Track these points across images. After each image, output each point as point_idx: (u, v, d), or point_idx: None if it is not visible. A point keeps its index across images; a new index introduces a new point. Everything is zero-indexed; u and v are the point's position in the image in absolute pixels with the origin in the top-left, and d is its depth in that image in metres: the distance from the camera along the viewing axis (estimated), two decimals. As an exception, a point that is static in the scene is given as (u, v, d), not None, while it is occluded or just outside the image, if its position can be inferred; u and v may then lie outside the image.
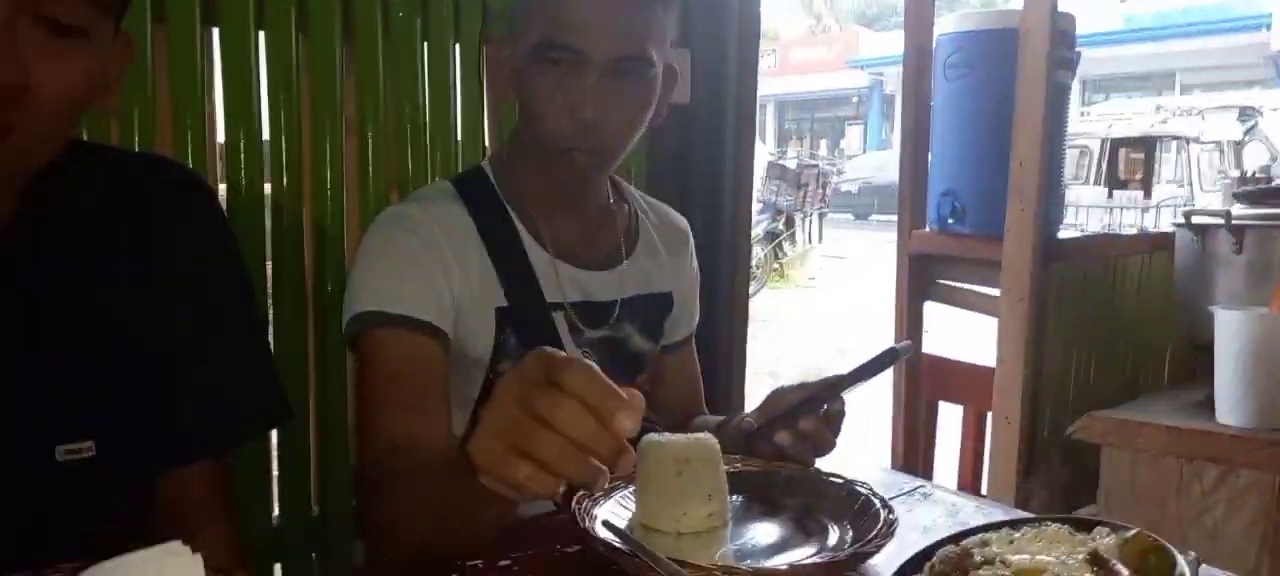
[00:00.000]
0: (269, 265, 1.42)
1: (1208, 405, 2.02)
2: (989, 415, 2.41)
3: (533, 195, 1.22)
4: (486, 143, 1.60)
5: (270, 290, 1.42)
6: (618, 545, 0.84)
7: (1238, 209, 2.22)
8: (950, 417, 2.56)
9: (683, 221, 1.42)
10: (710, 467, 0.96)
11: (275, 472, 1.49)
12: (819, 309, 8.59)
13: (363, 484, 1.06)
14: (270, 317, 1.41)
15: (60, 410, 0.88)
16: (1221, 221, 2.13)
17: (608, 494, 1.01)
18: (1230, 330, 1.91)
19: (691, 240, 1.41)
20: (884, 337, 2.75)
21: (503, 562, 0.91)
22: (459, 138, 1.56)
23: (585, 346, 1.23)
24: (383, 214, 1.20)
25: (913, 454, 2.69)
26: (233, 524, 1.03)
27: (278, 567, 1.50)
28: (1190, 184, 6.88)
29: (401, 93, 1.50)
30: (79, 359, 0.89)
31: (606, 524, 0.90)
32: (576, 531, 0.92)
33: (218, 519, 0.99)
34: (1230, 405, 1.93)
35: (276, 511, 1.49)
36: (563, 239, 1.23)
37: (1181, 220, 2.26)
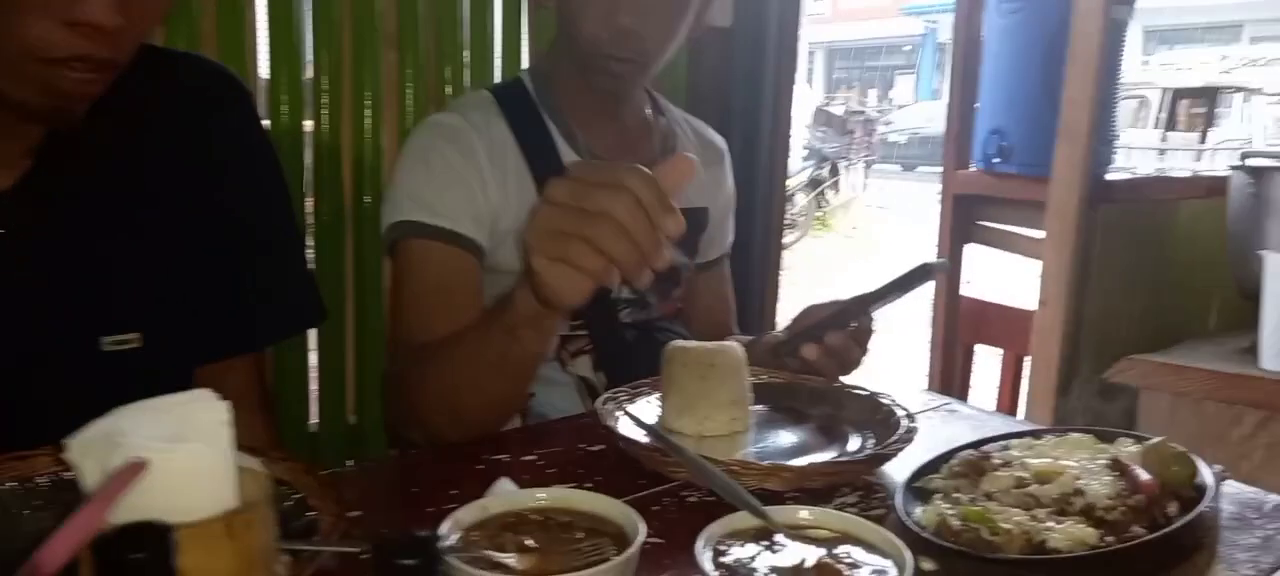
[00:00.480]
0: (309, 175, 1.44)
1: (1252, 352, 1.97)
2: (1027, 360, 2.39)
3: (571, 105, 1.23)
4: (526, 53, 1.60)
5: (311, 206, 1.45)
6: (640, 439, 0.85)
7: (1297, 152, 2.14)
8: (987, 363, 2.53)
9: (720, 139, 1.41)
10: (734, 374, 0.97)
11: (314, 382, 1.53)
12: (860, 257, 8.50)
13: (393, 383, 1.09)
14: (311, 228, 1.44)
15: (108, 301, 0.91)
16: (1278, 164, 2.06)
17: (633, 398, 1.03)
18: (1278, 274, 1.86)
19: (727, 158, 1.41)
20: (928, 290, 2.72)
21: (527, 457, 0.94)
22: (498, 49, 1.56)
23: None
24: (422, 123, 1.22)
25: (948, 394, 2.67)
26: (270, 418, 1.07)
27: (315, 473, 1.54)
28: (1244, 138, 6.64)
29: (440, 5, 1.50)
30: (127, 252, 0.92)
31: (634, 420, 0.91)
32: (600, 431, 0.94)
33: (254, 413, 1.03)
34: (1275, 351, 1.89)
35: (314, 418, 1.54)
36: (600, 149, 1.23)
37: (1238, 162, 2.19)
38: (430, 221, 1.11)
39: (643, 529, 0.67)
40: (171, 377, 0.96)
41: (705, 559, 0.64)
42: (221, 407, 0.52)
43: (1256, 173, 2.12)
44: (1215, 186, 2.48)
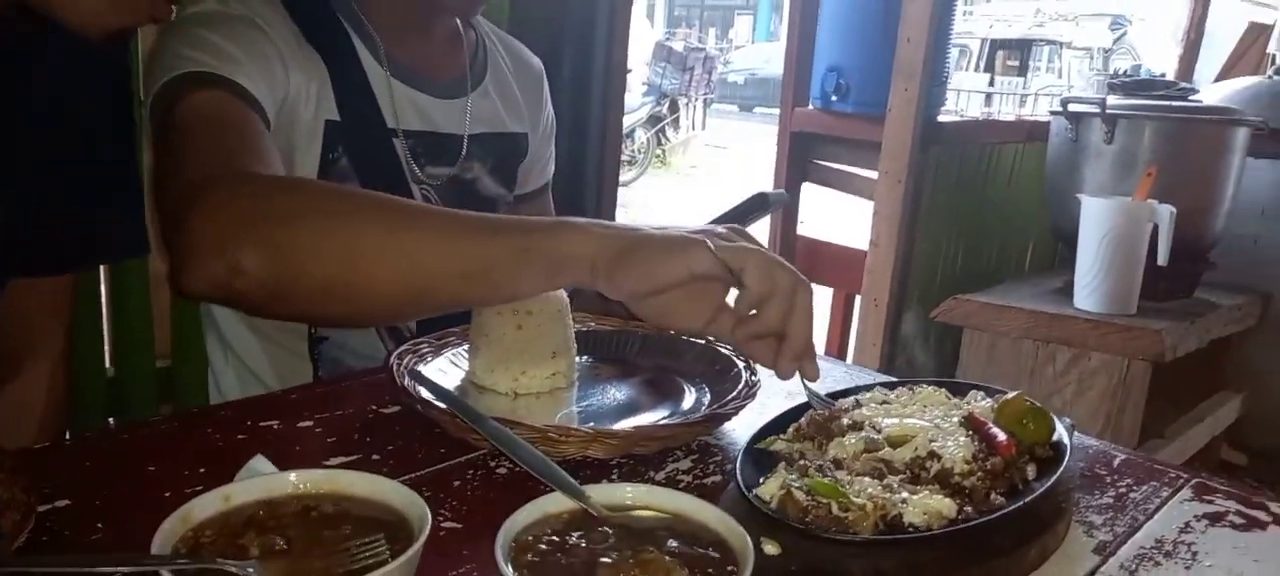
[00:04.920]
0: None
1: (1066, 292, 2.05)
2: (857, 298, 2.40)
3: (371, 8, 1.05)
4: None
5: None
6: (435, 403, 0.71)
7: (1112, 98, 2.21)
8: (819, 301, 2.53)
9: (537, 61, 1.27)
10: (554, 323, 0.84)
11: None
12: (699, 196, 8.56)
13: (222, 195, 0.74)
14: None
15: None
16: (1096, 110, 2.12)
17: (438, 349, 0.88)
18: (1094, 217, 1.91)
19: (546, 82, 1.26)
20: (765, 226, 2.69)
21: (304, 422, 0.78)
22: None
23: (428, 184, 1.08)
24: (192, 8, 0.98)
25: (782, 335, 2.67)
26: (69, 338, 1.01)
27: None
28: (1064, 84, 7.09)
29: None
30: None
31: (426, 382, 0.77)
32: (397, 390, 0.79)
33: (56, 336, 0.97)
34: (1088, 291, 1.95)
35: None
36: (401, 57, 1.07)
37: (1058, 108, 2.24)
38: (225, 73, 0.88)
39: (428, 520, 0.53)
40: None
41: (505, 558, 0.51)
42: None
43: (1075, 118, 2.17)
44: (1036, 131, 2.56)
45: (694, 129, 10.68)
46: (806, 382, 0.74)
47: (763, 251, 0.72)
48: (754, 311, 0.72)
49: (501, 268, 0.71)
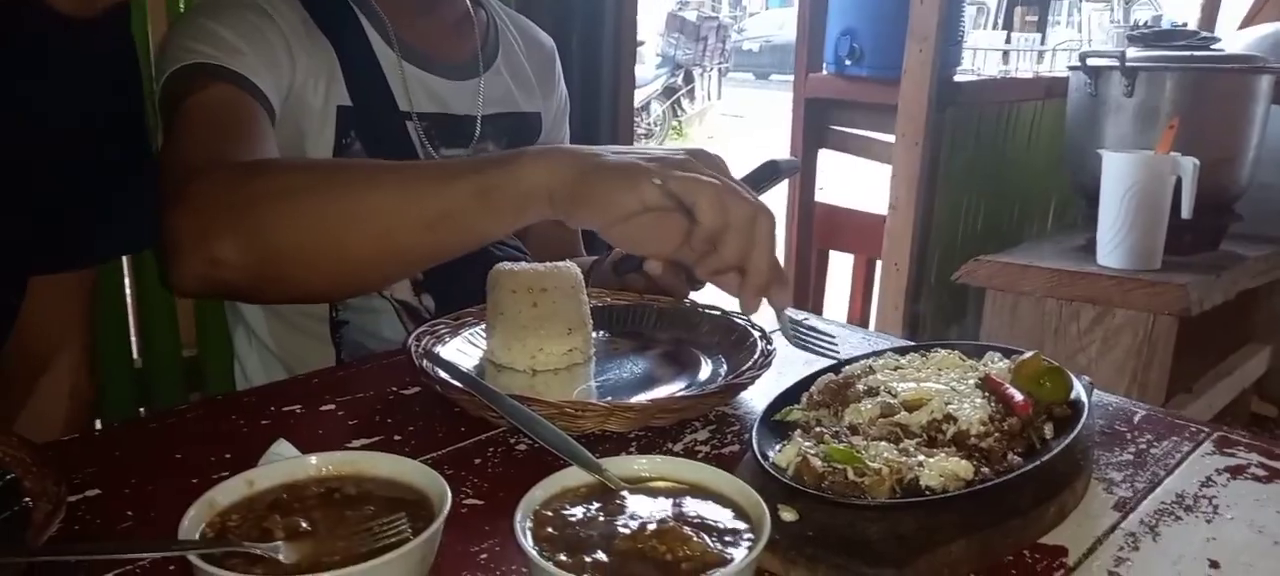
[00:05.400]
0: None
1: (1089, 249, 2.02)
2: (878, 263, 2.39)
3: None
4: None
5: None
6: (453, 383, 0.72)
7: (1131, 51, 2.17)
8: (840, 268, 2.52)
9: (548, 40, 1.27)
10: (570, 299, 0.85)
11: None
12: (717, 167, 8.50)
13: (213, 185, 0.77)
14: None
15: None
16: (1115, 63, 2.09)
17: (455, 329, 0.89)
18: (1116, 172, 1.89)
19: (558, 61, 1.26)
20: (783, 194, 2.68)
21: (326, 407, 0.79)
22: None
23: (441, 168, 1.09)
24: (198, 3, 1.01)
25: (802, 302, 2.66)
26: (92, 332, 1.00)
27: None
28: (1083, 38, 6.96)
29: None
30: None
31: (443, 363, 0.77)
32: (416, 371, 0.80)
33: (78, 330, 0.96)
34: (1110, 248, 1.93)
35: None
36: (411, 40, 1.07)
37: (1077, 63, 2.21)
38: (227, 65, 0.90)
39: (448, 498, 0.54)
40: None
41: (525, 531, 0.52)
42: None
43: (1094, 72, 2.14)
44: (1055, 87, 2.53)
45: (709, 99, 10.62)
46: (778, 310, 0.73)
47: (716, 183, 0.68)
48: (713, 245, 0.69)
49: (464, 213, 0.71)
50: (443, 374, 0.73)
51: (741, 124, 10.68)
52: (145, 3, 1.22)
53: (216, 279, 0.75)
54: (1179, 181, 1.85)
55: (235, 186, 0.75)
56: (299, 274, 0.76)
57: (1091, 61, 2.16)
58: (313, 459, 0.59)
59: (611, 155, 0.69)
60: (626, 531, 0.53)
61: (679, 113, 9.79)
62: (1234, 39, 2.65)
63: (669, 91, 9.46)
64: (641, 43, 10.15)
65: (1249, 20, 3.04)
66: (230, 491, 0.56)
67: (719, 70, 10.73)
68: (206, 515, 0.54)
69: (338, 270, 0.76)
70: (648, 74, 9.05)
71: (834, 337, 0.88)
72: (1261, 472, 0.69)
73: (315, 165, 0.81)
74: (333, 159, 0.79)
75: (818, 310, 2.52)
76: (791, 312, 0.74)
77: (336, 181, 0.74)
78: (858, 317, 2.37)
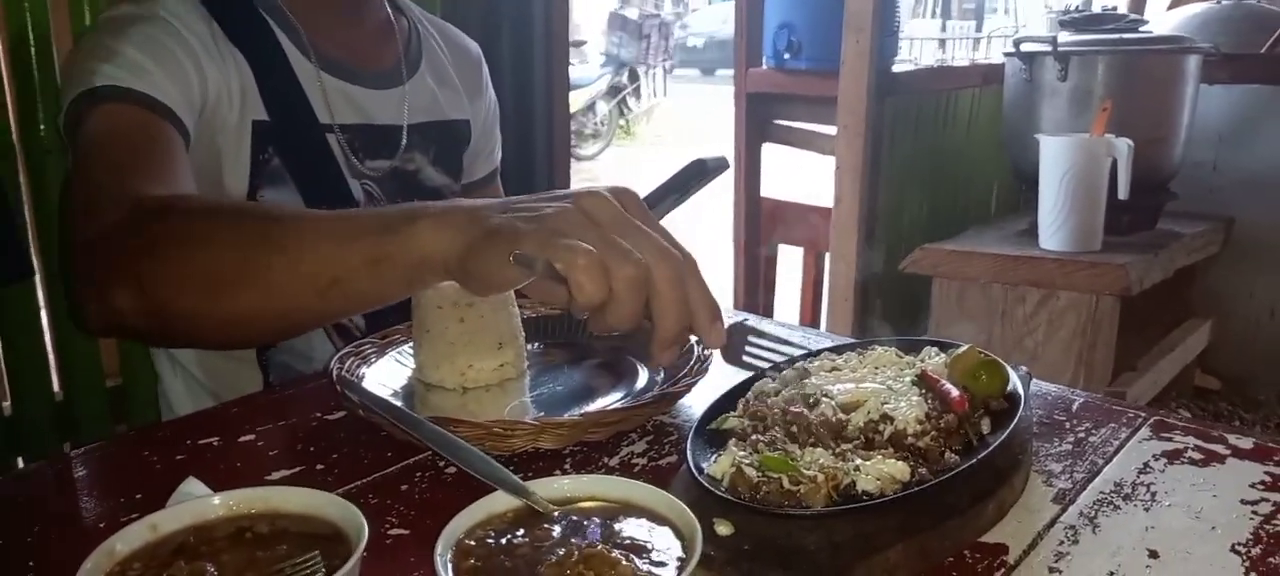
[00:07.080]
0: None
1: (1031, 233, 2.05)
2: (826, 255, 2.39)
3: (296, 3, 1.01)
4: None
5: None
6: (374, 409, 0.69)
7: (1063, 36, 2.20)
8: (790, 261, 2.52)
9: (474, 46, 1.24)
10: (499, 311, 0.82)
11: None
12: (666, 165, 8.51)
13: (113, 235, 0.73)
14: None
15: None
16: (1048, 49, 2.11)
17: (382, 349, 0.86)
18: (1053, 156, 1.91)
19: (485, 66, 1.23)
20: (728, 190, 2.66)
21: (245, 437, 0.75)
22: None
23: (368, 178, 1.05)
24: (107, 13, 0.96)
25: (753, 299, 2.66)
26: None
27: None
28: (1018, 24, 7.07)
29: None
30: None
31: (360, 390, 0.74)
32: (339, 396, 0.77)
33: None
34: (1052, 231, 1.95)
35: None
36: (329, 50, 1.03)
37: (1011, 49, 2.23)
38: (136, 87, 0.86)
39: (365, 532, 0.51)
40: None
41: (445, 565, 0.49)
42: None
43: (1028, 58, 2.16)
44: (991, 74, 2.55)
45: (656, 97, 10.61)
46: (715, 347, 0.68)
47: (592, 252, 0.57)
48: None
49: (356, 280, 0.65)
50: (362, 401, 0.70)
51: (690, 120, 10.70)
52: (48, 23, 1.17)
53: (118, 324, 0.72)
54: (1115, 163, 1.87)
55: (134, 230, 0.71)
56: (190, 329, 0.73)
57: (1025, 47, 2.18)
58: (218, 498, 0.56)
59: (498, 218, 0.61)
60: (553, 559, 0.51)
61: (625, 112, 9.77)
62: (1162, 20, 2.70)
63: (614, 91, 9.43)
64: (583, 42, 10.12)
65: (1178, 1, 3.10)
66: (132, 537, 0.52)
67: (664, 68, 10.73)
68: (106, 565, 0.51)
69: (228, 331, 0.73)
70: (591, 73, 9.01)
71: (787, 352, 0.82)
72: (1198, 456, 0.69)
73: (217, 210, 0.75)
74: (236, 204, 0.74)
75: (768, 309, 2.51)
76: (753, 321, 0.70)
77: (230, 237, 0.69)
78: (809, 312, 2.37)
